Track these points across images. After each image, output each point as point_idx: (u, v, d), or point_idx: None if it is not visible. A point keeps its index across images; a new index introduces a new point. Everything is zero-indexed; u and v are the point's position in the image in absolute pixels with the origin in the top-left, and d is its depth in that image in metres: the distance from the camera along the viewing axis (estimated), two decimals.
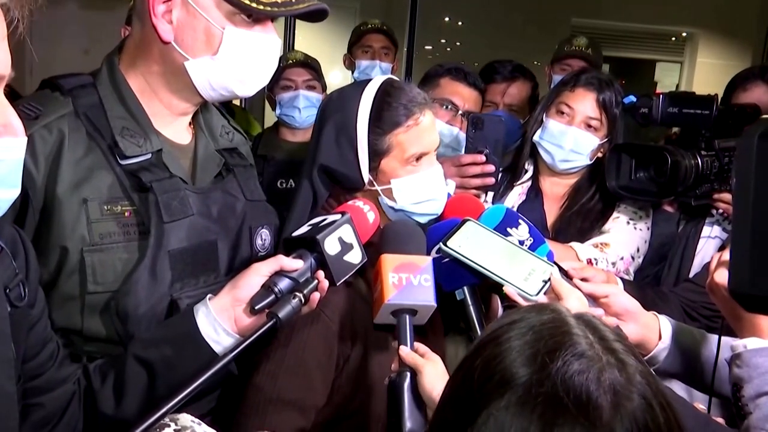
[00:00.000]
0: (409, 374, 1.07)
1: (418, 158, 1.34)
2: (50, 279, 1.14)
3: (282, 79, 2.60)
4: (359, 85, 1.38)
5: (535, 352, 0.68)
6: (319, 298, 1.16)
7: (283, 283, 1.13)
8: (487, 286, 1.33)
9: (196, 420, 0.80)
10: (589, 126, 1.87)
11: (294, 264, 1.15)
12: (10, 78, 0.80)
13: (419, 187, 1.35)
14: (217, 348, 1.12)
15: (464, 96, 2.11)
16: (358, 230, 1.22)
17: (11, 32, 0.77)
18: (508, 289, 1.22)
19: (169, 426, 0.78)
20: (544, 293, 1.22)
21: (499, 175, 1.83)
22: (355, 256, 1.20)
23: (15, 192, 0.85)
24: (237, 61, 1.20)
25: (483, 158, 1.78)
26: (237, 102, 3.76)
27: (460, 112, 2.09)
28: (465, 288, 1.28)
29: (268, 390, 1.23)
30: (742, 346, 1.13)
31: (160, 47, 1.19)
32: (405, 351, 1.10)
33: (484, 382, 0.68)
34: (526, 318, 0.73)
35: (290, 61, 2.64)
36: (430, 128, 1.36)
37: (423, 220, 1.38)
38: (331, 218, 1.21)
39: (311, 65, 2.66)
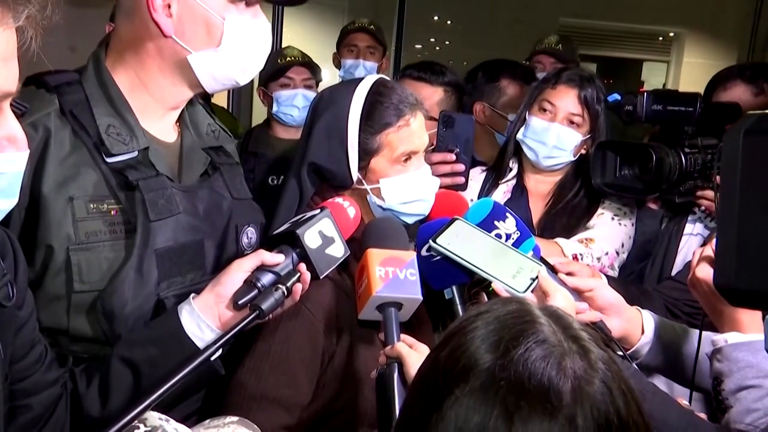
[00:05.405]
0: (397, 365, 1.07)
1: (407, 158, 1.35)
2: (36, 278, 1.13)
3: (282, 77, 2.62)
4: (351, 84, 1.38)
5: (499, 339, 0.69)
6: (301, 289, 1.17)
7: (266, 278, 1.14)
8: (475, 284, 1.34)
9: (164, 417, 0.80)
10: (572, 122, 1.89)
11: (275, 258, 1.16)
12: (17, 91, 0.80)
13: (408, 188, 1.36)
14: (202, 345, 1.12)
15: (424, 96, 2.11)
16: (339, 225, 1.23)
17: (23, 51, 0.77)
18: (496, 285, 1.22)
19: (138, 428, 0.78)
20: (532, 290, 1.23)
21: (469, 174, 1.83)
22: (337, 250, 1.21)
23: (13, 201, 0.85)
24: (239, 50, 1.21)
25: (453, 157, 1.78)
26: (224, 99, 3.76)
27: None
28: (453, 287, 1.29)
29: (252, 387, 1.23)
30: (723, 340, 1.14)
31: (158, 42, 1.19)
32: (389, 346, 1.10)
33: (449, 370, 0.69)
34: (492, 309, 0.74)
35: (289, 59, 2.67)
36: (419, 130, 1.37)
37: (410, 220, 1.39)
38: (310, 214, 1.22)
39: (310, 64, 2.69)
